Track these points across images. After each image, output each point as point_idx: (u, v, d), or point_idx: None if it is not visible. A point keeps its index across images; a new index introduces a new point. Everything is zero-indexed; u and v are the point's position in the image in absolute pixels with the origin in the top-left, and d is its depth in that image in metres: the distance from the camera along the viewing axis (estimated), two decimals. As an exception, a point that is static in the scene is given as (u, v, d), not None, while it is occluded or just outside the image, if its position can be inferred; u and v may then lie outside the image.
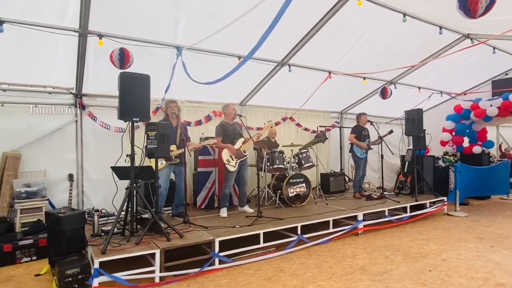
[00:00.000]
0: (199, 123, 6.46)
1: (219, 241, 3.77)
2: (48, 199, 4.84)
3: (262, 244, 4.10)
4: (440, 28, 5.22)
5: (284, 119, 7.62)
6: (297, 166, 6.24)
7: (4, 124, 4.72)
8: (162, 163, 4.60)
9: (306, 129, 7.97)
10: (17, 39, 3.98)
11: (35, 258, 4.07)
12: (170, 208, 5.16)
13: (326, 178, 7.34)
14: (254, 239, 4.08)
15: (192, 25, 4.47)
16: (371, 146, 6.83)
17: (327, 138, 7.96)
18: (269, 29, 3.22)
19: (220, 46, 4.91)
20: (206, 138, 5.39)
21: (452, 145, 8.19)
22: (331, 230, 4.75)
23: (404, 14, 4.75)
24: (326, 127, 8.23)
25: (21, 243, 4.02)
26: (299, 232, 4.43)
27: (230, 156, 5.03)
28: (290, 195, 5.72)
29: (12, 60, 4.38)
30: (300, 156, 6.31)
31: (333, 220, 4.84)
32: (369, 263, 3.84)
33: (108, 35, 4.22)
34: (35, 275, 3.62)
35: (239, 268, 3.75)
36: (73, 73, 4.81)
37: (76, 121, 5.29)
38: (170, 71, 4.81)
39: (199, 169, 5.69)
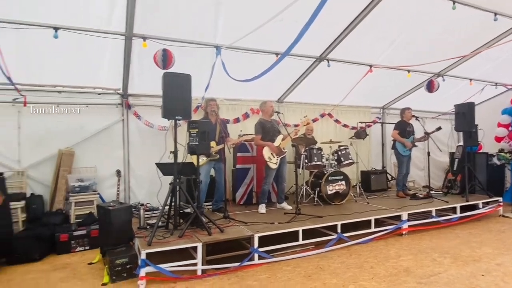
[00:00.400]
0: (237, 120, 6.55)
1: (258, 236, 3.80)
2: (98, 193, 5.19)
3: (300, 242, 4.06)
4: (495, 14, 4.81)
5: (322, 116, 7.48)
6: (336, 163, 6.10)
7: (59, 123, 5.12)
8: (202, 159, 4.73)
9: (345, 126, 7.74)
10: (69, 44, 4.27)
11: (88, 247, 4.38)
12: (210, 203, 5.30)
13: (367, 176, 7.12)
14: (293, 236, 4.05)
15: (231, 24, 4.52)
16: (416, 143, 6.49)
17: (367, 135, 7.69)
18: (307, 25, 3.16)
19: (257, 43, 4.92)
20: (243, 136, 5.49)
21: (509, 141, 7.55)
22: (372, 229, 4.60)
23: (454, 1, 4.44)
24: (367, 123, 7.94)
25: (75, 233, 4.35)
26: (339, 230, 4.34)
27: (271, 153, 5.03)
28: (329, 192, 5.62)
29: (65, 64, 4.70)
30: (339, 153, 6.16)
31: (375, 219, 4.68)
32: (414, 265, 3.67)
33: (152, 37, 4.40)
34: (88, 264, 3.89)
35: (278, 264, 3.76)
36: (119, 74, 5.09)
37: (123, 120, 5.60)
38: (209, 70, 4.91)
39: (237, 166, 5.77)
